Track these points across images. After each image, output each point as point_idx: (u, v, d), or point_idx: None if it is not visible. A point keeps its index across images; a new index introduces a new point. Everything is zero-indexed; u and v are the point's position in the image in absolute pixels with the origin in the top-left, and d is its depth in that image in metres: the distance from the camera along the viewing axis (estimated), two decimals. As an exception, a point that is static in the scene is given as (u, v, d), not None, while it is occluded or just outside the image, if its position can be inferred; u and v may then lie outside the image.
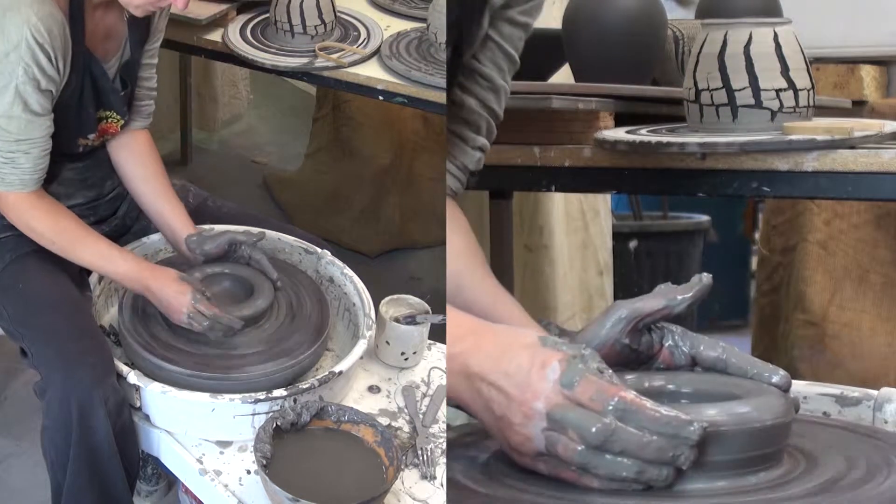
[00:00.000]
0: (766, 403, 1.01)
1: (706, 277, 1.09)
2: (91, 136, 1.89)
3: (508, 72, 1.40)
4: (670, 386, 1.10)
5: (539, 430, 0.98)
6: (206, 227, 2.04)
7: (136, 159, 1.99)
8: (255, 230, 2.00)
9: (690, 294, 1.09)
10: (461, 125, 1.39)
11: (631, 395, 0.96)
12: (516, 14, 1.36)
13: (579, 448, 0.96)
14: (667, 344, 1.13)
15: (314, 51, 2.56)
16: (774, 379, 1.06)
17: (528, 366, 0.99)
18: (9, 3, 1.69)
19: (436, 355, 2.01)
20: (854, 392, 1.26)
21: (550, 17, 2.73)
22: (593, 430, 0.95)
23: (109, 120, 1.90)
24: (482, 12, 1.30)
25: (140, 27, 1.91)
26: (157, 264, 1.91)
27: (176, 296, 1.79)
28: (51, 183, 1.90)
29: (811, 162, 1.92)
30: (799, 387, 1.27)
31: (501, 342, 1.03)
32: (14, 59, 1.68)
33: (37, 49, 1.68)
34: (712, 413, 0.98)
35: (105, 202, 2.04)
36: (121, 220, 2.09)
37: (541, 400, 0.98)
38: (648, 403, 0.95)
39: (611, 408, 0.95)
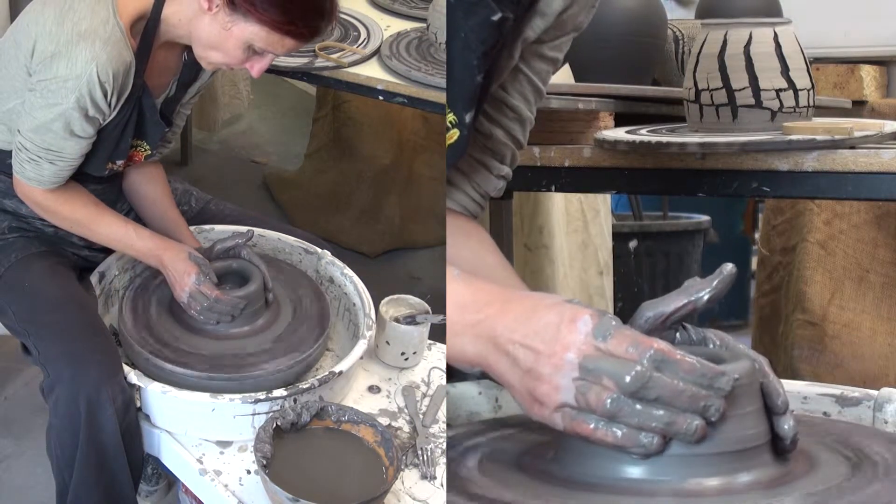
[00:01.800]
0: (739, 366, 1.03)
1: (728, 267, 1.08)
2: (120, 162, 1.91)
3: (534, 103, 1.41)
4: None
5: (569, 380, 0.98)
6: (207, 226, 2.09)
7: (145, 179, 2.02)
8: (244, 229, 2.02)
9: (712, 287, 1.08)
10: (486, 154, 1.41)
11: (666, 346, 0.97)
12: (547, 49, 1.38)
13: (612, 396, 0.96)
14: None
15: (314, 51, 2.55)
16: (778, 401, 1.07)
17: (557, 321, 1.01)
18: (86, 31, 1.69)
19: (436, 355, 2.01)
20: (854, 392, 1.26)
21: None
22: (628, 378, 0.96)
23: (139, 149, 1.93)
24: (515, 44, 1.30)
25: (192, 70, 1.94)
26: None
27: (181, 275, 1.84)
28: None
29: (811, 162, 1.92)
30: (799, 387, 1.27)
31: (528, 305, 1.04)
32: (71, 87, 1.70)
33: (96, 86, 1.70)
34: None
35: None
36: None
37: (572, 351, 0.99)
38: (684, 354, 0.97)
39: (647, 358, 0.96)
